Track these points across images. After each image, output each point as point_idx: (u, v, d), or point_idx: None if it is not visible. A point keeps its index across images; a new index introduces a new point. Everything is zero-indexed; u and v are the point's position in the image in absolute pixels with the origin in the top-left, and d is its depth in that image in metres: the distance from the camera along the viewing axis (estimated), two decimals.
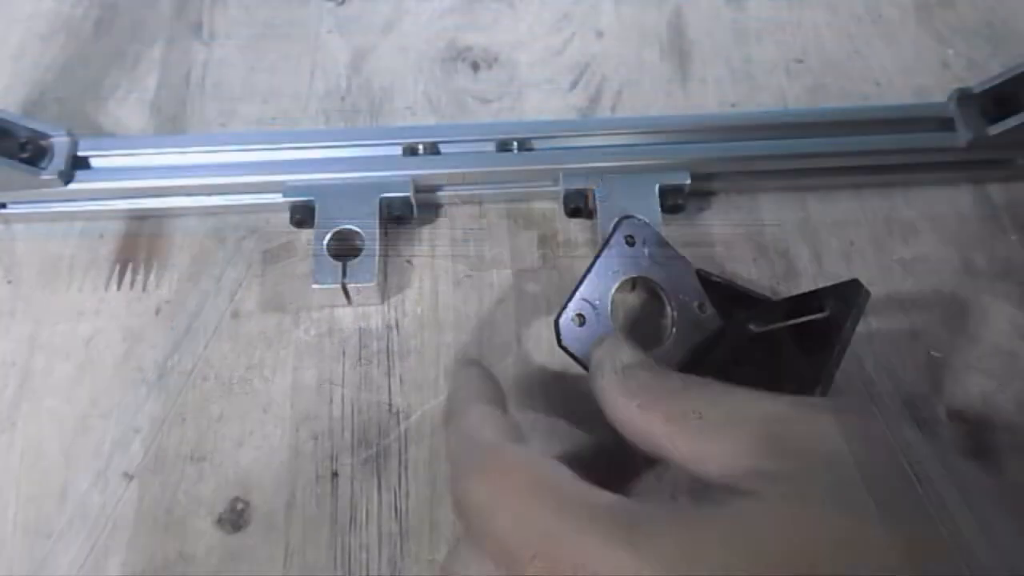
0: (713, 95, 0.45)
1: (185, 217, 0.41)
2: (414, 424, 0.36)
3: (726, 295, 0.36)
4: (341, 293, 0.37)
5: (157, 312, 0.38)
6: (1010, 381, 0.36)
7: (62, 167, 0.39)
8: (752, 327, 0.36)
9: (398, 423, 0.36)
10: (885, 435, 0.24)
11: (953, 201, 0.41)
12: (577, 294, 0.33)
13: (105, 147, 0.40)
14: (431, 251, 0.40)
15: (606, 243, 0.35)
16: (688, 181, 0.39)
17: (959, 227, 0.40)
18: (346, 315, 0.38)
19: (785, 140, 0.40)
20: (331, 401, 0.36)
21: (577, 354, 0.32)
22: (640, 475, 0.29)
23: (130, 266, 0.40)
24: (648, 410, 0.27)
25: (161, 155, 0.40)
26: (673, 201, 0.39)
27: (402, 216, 0.39)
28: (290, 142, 0.40)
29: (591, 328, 0.33)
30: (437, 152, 0.40)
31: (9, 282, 0.39)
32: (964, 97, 0.40)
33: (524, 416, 0.34)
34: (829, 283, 0.35)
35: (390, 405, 0.36)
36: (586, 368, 0.32)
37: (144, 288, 0.39)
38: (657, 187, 0.39)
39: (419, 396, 0.36)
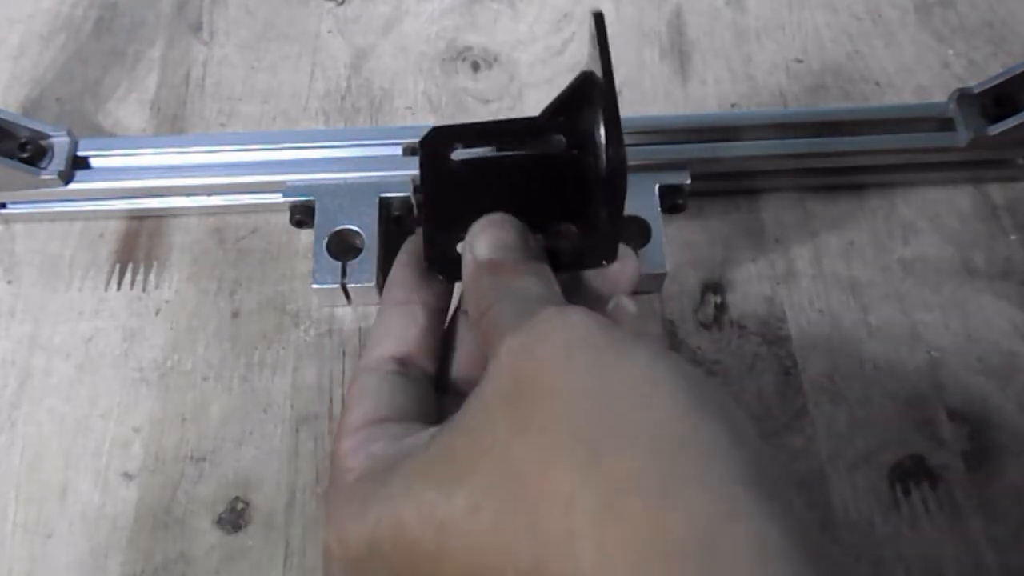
0: (713, 95, 0.45)
1: (185, 217, 0.41)
2: None
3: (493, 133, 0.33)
4: (341, 293, 0.37)
5: (157, 312, 0.38)
6: (1010, 381, 0.36)
7: (62, 167, 0.39)
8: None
9: None
10: None
11: (953, 201, 0.41)
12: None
13: (105, 147, 0.40)
14: None
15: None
16: (688, 181, 0.39)
17: (959, 227, 0.40)
18: (346, 315, 0.38)
19: (785, 140, 0.40)
20: (331, 401, 0.36)
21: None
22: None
23: (130, 266, 0.40)
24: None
25: (161, 155, 0.40)
26: (673, 201, 0.39)
27: (402, 216, 0.39)
28: (290, 142, 0.40)
29: None
30: None
31: (9, 282, 0.39)
32: (964, 97, 0.40)
33: None
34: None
35: None
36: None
37: (144, 288, 0.39)
38: (657, 187, 0.39)
39: None
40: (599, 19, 0.29)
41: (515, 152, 0.32)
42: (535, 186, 0.32)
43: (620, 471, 0.19)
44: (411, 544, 0.22)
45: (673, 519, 0.18)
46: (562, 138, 0.32)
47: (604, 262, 0.30)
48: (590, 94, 0.31)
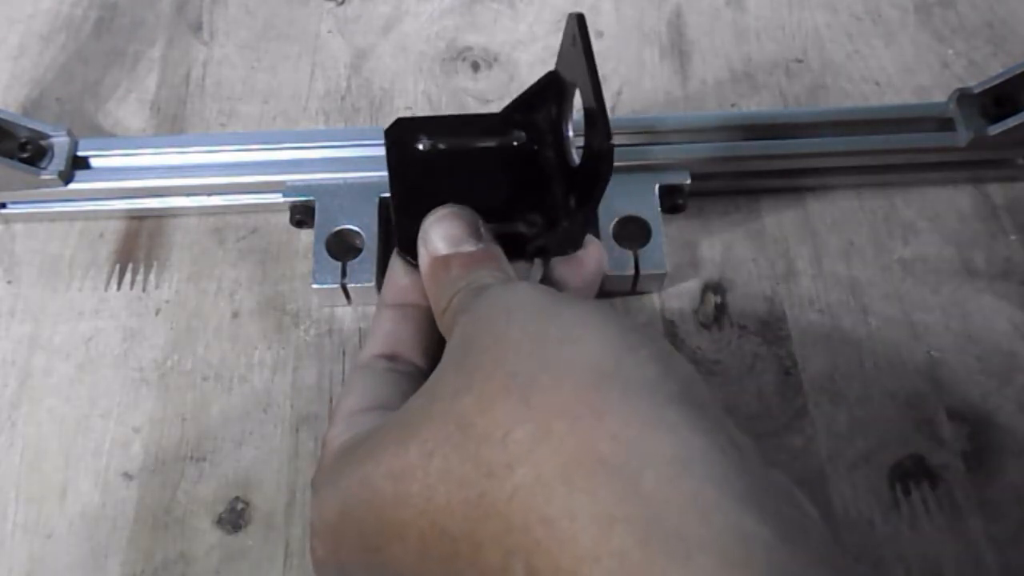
0: (713, 95, 0.45)
1: (185, 217, 0.41)
2: None
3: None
4: (341, 293, 0.37)
5: (157, 312, 0.38)
6: (1010, 381, 0.36)
7: (62, 167, 0.39)
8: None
9: None
10: None
11: (953, 201, 0.41)
12: None
13: (105, 147, 0.40)
14: None
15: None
16: (688, 181, 0.39)
17: (959, 227, 0.40)
18: (346, 315, 0.38)
19: (785, 140, 0.40)
20: (331, 401, 0.36)
21: None
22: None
23: (130, 266, 0.40)
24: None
25: (161, 155, 0.40)
26: (673, 201, 0.39)
27: None
28: (290, 142, 0.40)
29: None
30: None
31: (9, 282, 0.39)
32: (964, 97, 0.40)
33: None
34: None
35: None
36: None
37: (144, 288, 0.39)
38: (657, 187, 0.39)
39: None
40: (581, 20, 0.31)
41: (476, 143, 0.34)
42: (497, 177, 0.33)
43: (551, 402, 0.21)
44: (374, 497, 0.23)
45: (598, 435, 0.20)
46: (523, 133, 0.34)
47: (569, 250, 0.31)
48: (554, 93, 0.33)
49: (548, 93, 0.34)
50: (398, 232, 0.31)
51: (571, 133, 0.33)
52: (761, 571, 0.17)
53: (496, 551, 0.20)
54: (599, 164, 0.29)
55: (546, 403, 0.21)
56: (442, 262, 0.28)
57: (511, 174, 0.33)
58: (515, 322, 0.24)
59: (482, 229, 0.29)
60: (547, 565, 0.19)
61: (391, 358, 0.29)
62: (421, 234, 0.29)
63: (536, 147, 0.33)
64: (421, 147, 0.34)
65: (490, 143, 0.34)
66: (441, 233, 0.29)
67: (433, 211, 0.30)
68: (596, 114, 0.28)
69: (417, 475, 0.22)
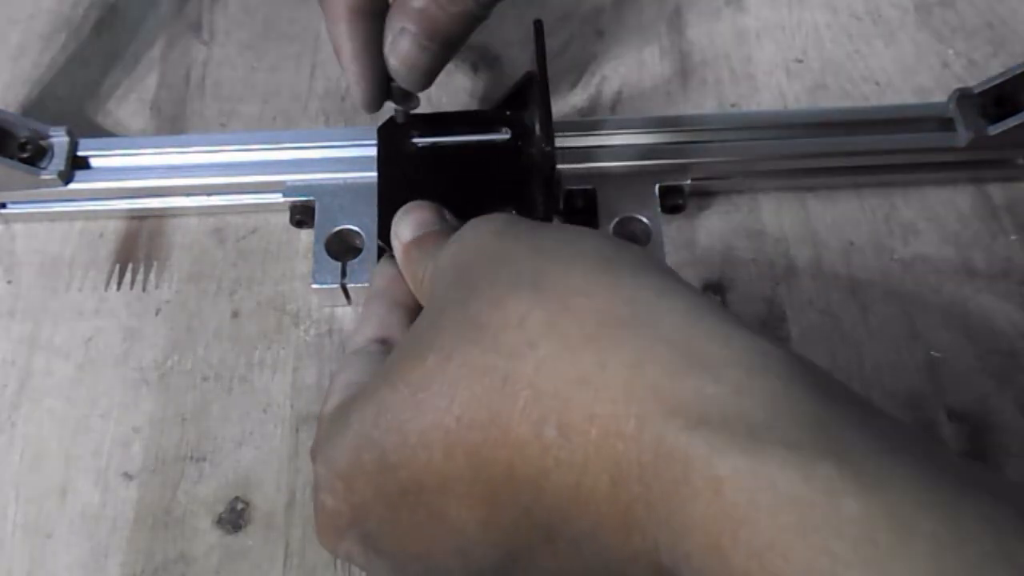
0: (713, 95, 0.45)
1: (185, 217, 0.41)
2: None
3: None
4: (341, 293, 0.37)
5: (157, 312, 0.38)
6: (1010, 381, 0.36)
7: (62, 167, 0.39)
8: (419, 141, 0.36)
9: None
10: None
11: (953, 201, 0.41)
12: None
13: (105, 147, 0.40)
14: None
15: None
16: (688, 181, 0.39)
17: (959, 227, 0.40)
18: (346, 315, 0.38)
19: (785, 140, 0.40)
20: None
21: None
22: None
23: (130, 266, 0.40)
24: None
25: (161, 155, 0.40)
26: (673, 201, 0.39)
27: None
28: (290, 142, 0.40)
29: None
30: None
31: (9, 282, 0.39)
32: (964, 97, 0.40)
33: None
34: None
35: None
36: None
37: (144, 288, 0.39)
38: (657, 187, 0.39)
39: None
40: (538, 26, 0.33)
41: (464, 139, 0.36)
42: (480, 172, 0.35)
43: (564, 286, 0.22)
44: (393, 416, 0.23)
45: (615, 302, 0.21)
46: (508, 130, 0.36)
47: None
48: (531, 92, 0.34)
49: (526, 92, 0.35)
50: (380, 223, 0.33)
51: (538, 135, 0.34)
52: (783, 375, 0.19)
53: (526, 423, 0.21)
54: (543, 164, 0.31)
55: (559, 287, 0.22)
56: (414, 243, 0.30)
57: (494, 169, 0.35)
58: (506, 239, 0.25)
59: (448, 216, 0.31)
60: (579, 417, 0.20)
61: (383, 342, 0.30)
62: (393, 229, 0.31)
63: (519, 143, 0.35)
64: (410, 144, 0.35)
65: (476, 139, 0.35)
66: (408, 223, 0.30)
67: (401, 208, 0.31)
68: (542, 118, 0.31)
69: (436, 378, 0.22)
